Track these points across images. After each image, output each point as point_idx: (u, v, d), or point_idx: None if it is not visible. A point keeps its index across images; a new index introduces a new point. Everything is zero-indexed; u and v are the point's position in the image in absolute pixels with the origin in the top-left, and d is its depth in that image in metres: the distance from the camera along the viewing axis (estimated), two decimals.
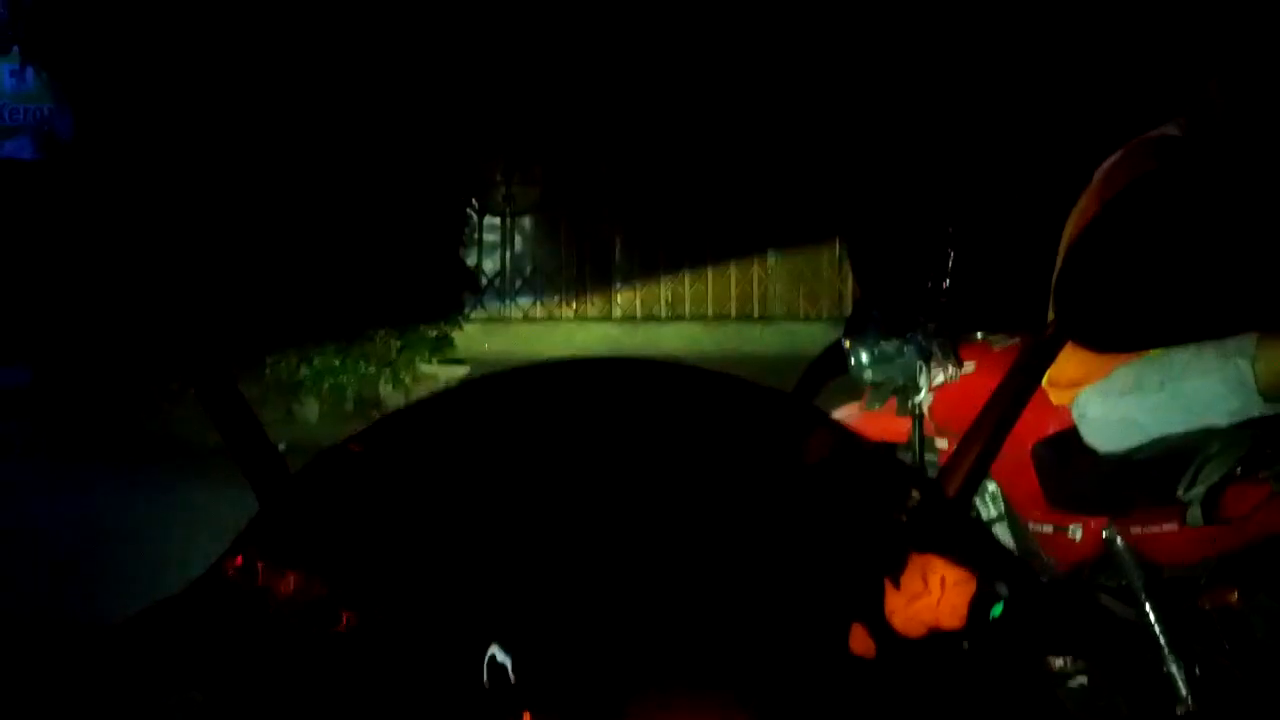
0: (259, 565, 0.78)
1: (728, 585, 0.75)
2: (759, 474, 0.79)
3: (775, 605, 0.74)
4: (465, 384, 0.92)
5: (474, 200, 8.07)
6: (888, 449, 0.83)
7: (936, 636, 0.69)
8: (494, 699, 0.72)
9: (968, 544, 0.73)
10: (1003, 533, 3.15)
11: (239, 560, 0.78)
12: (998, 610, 0.70)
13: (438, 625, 0.76)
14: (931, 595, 0.70)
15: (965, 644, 0.69)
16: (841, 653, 0.70)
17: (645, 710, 0.72)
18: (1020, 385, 0.87)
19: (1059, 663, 2.72)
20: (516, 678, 0.72)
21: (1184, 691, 2.63)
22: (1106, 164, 2.89)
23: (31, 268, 1.02)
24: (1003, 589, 0.71)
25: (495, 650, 0.72)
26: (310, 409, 7.21)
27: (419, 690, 0.74)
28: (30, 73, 8.37)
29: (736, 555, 0.75)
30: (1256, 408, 2.69)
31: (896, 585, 0.71)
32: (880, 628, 0.70)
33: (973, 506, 3.17)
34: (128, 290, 1.03)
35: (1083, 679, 2.82)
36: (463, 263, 8.01)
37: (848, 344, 3.44)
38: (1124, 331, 0.89)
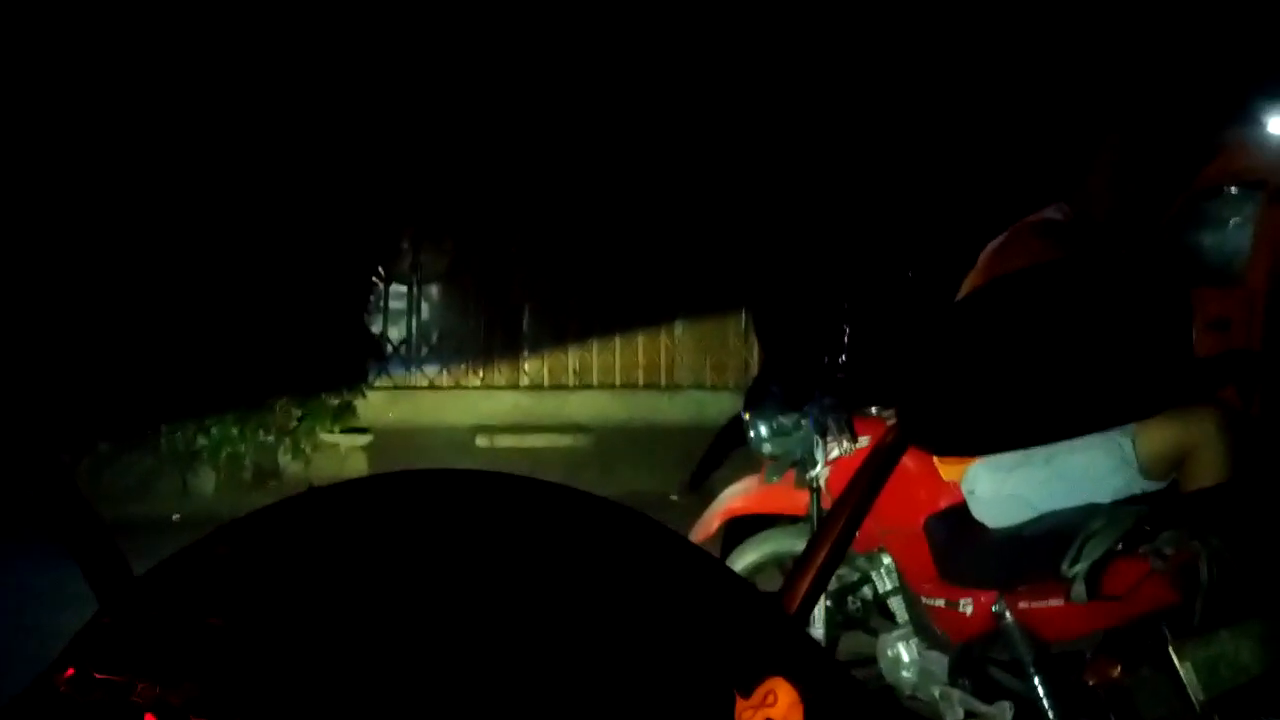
0: (94, 675, 0.75)
1: (585, 695, 0.74)
2: (611, 589, 0.79)
3: (629, 712, 0.74)
4: (327, 488, 0.89)
5: (380, 268, 8.02)
6: (729, 572, 0.82)
7: None
8: None
9: (804, 663, 0.74)
10: (898, 606, 3.18)
11: (70, 672, 0.75)
12: None
13: None
14: (774, 709, 0.70)
15: None
16: None
17: None
18: (862, 495, 0.87)
19: None
20: None
21: None
22: (992, 245, 2.97)
23: None
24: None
25: None
26: (206, 480, 7.03)
27: None
28: None
29: (592, 670, 0.75)
30: (1138, 485, 2.76)
31: (746, 696, 0.71)
32: None
33: (862, 586, 3.19)
34: None
35: None
36: (368, 330, 7.92)
37: (747, 416, 3.47)
38: (969, 435, 0.89)
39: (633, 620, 0.76)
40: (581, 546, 0.80)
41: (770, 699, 0.70)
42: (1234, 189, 6.27)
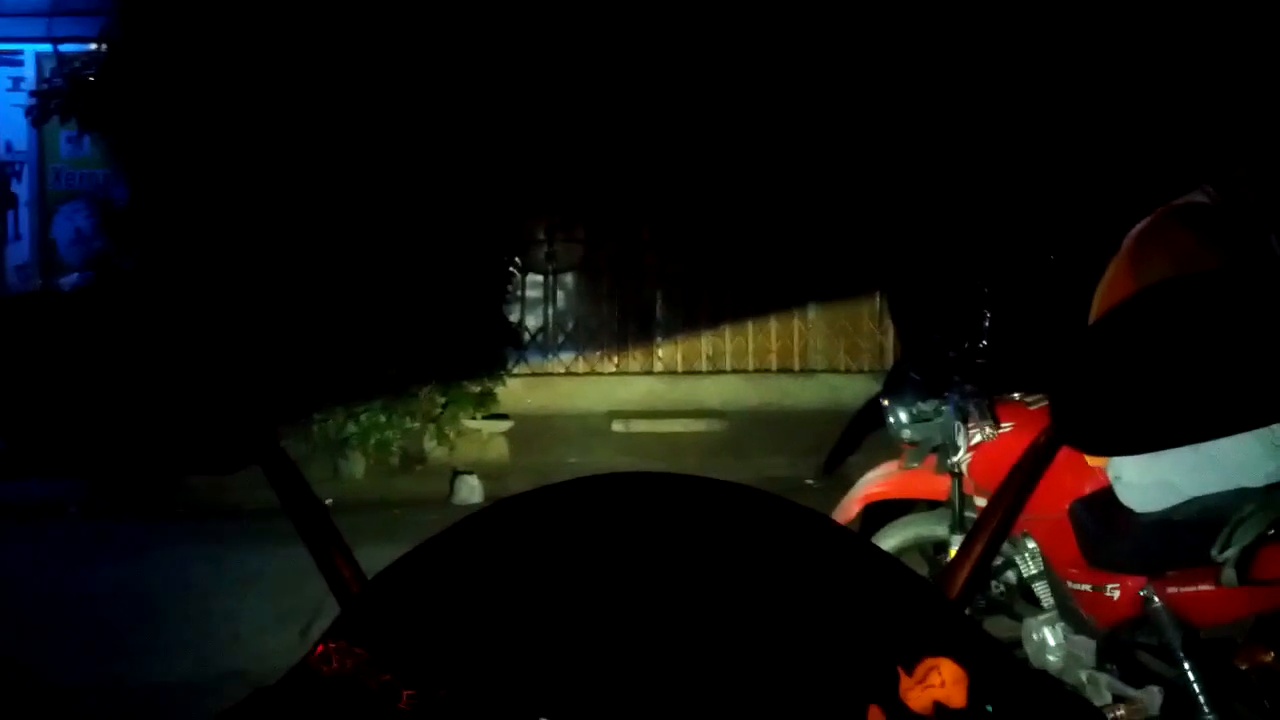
0: (343, 656, 0.85)
1: (756, 670, 0.82)
2: (781, 578, 0.86)
3: (799, 690, 0.81)
4: (505, 502, 0.98)
5: (517, 258, 8.19)
6: (893, 559, 0.86)
7: (944, 713, 0.76)
8: None
9: (967, 644, 0.80)
10: (1043, 591, 3.18)
11: (329, 649, 0.85)
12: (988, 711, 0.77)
13: (491, 701, 0.83)
14: (937, 685, 0.77)
15: None
16: None
17: None
18: (1017, 491, 0.91)
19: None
20: None
21: None
22: (1135, 230, 2.93)
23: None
24: (989, 703, 0.77)
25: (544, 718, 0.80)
26: (357, 465, 7.30)
27: None
28: (87, 140, 8.61)
29: (763, 646, 0.82)
30: None
31: (909, 673, 0.78)
32: (894, 707, 0.77)
33: (1007, 570, 3.20)
34: (185, 359, 1.07)
35: None
36: (505, 319, 8.10)
37: (886, 403, 3.50)
38: (1125, 436, 0.92)
39: (800, 607, 0.83)
40: (750, 538, 0.87)
41: (935, 677, 0.76)
42: None
